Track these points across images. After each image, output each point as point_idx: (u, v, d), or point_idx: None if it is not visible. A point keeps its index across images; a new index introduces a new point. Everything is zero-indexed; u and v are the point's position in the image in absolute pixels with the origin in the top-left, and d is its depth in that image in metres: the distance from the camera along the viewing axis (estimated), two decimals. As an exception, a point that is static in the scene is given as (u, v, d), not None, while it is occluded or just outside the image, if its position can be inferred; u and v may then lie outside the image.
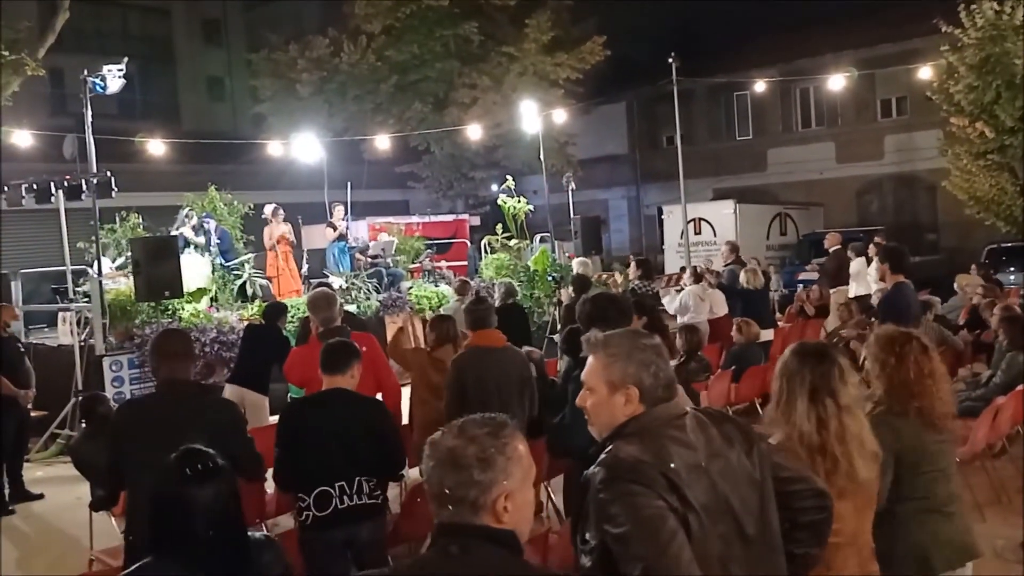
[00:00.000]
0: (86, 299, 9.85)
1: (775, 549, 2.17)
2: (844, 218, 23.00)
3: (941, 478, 3.02)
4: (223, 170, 16.74)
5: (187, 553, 2.21)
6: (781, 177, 25.35)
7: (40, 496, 7.60)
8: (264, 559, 2.38)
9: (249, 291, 11.62)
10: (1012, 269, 16.42)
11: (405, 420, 6.17)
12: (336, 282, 12.08)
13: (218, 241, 11.71)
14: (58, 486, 7.71)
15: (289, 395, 7.18)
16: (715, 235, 19.82)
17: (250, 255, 12.24)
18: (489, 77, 21.18)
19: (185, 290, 9.68)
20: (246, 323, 9.62)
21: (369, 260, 13.42)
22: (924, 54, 17.22)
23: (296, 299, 11.05)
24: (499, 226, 14.52)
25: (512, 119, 18.51)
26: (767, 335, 9.56)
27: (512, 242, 14.32)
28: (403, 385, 6.49)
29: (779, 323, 11.89)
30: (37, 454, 8.85)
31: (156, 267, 9.11)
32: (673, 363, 2.47)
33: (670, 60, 15.81)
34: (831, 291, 12.23)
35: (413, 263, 14.46)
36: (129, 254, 9.79)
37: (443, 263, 15.60)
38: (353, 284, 12.23)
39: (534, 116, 16.37)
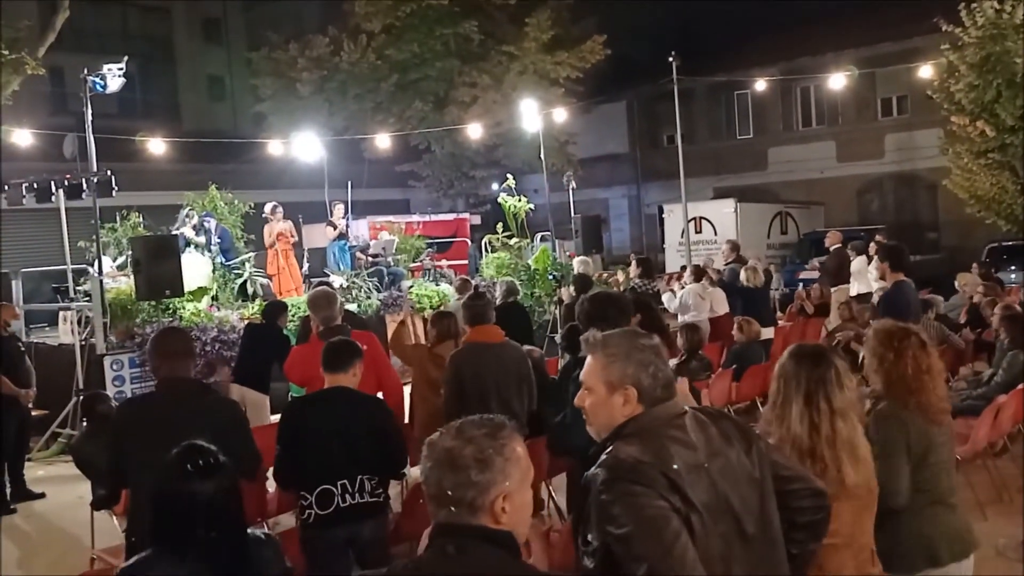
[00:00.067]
0: (87, 298, 9.85)
1: (775, 547, 2.17)
2: (845, 217, 23.00)
3: (944, 470, 3.05)
4: (223, 169, 16.73)
5: (187, 548, 2.21)
6: (782, 176, 25.34)
7: (41, 495, 7.60)
8: (263, 556, 2.39)
9: (250, 290, 11.62)
10: (1013, 268, 16.44)
11: (406, 419, 6.17)
12: (337, 281, 12.09)
13: (218, 240, 11.72)
14: (59, 485, 7.72)
15: (290, 394, 7.19)
16: (716, 234, 19.82)
17: (251, 254, 12.25)
18: (489, 76, 21.18)
19: (186, 289, 9.69)
20: (246, 322, 9.63)
21: (370, 259, 13.43)
22: (925, 53, 17.21)
23: (296, 298, 11.05)
24: (500, 225, 14.52)
25: (512, 118, 18.51)
26: (767, 333, 9.56)
27: (513, 241, 14.32)
28: (407, 383, 6.50)
29: (780, 322, 11.88)
30: (38, 453, 8.86)
31: (157, 266, 9.11)
32: (674, 362, 2.47)
33: (670, 59, 15.80)
34: (832, 290, 12.23)
35: (413, 262, 14.47)
36: (130, 253, 9.79)
37: (443, 262, 15.60)
38: (354, 283, 12.24)
39: (534, 115, 16.37)
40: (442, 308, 10.62)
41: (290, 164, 16.88)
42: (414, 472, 5.25)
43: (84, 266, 10.61)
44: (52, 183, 9.96)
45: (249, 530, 2.41)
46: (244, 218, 12.66)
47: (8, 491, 7.38)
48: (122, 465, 3.63)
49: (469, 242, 18.95)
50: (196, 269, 10.77)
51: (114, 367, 9.23)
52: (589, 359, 2.26)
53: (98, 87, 9.65)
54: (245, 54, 25.98)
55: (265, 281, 12.02)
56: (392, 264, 13.50)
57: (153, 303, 9.65)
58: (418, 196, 25.41)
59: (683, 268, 14.55)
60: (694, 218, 19.75)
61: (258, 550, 2.38)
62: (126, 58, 9.91)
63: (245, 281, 11.63)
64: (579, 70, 21.53)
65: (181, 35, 32.14)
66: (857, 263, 11.90)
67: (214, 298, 10.92)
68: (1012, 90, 14.98)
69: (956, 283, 11.22)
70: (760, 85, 18.95)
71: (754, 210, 21.20)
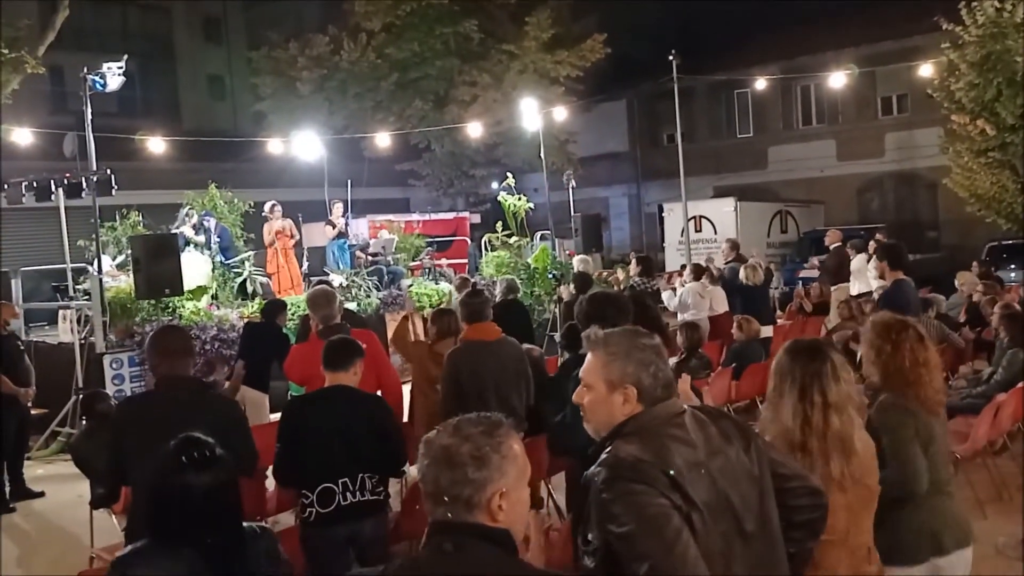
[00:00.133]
0: (86, 297, 9.85)
1: (775, 545, 2.17)
2: (845, 216, 22.99)
3: (943, 461, 3.08)
4: (223, 168, 16.71)
5: (183, 541, 2.21)
6: (782, 175, 25.32)
7: (41, 494, 7.60)
8: (258, 549, 2.38)
9: (249, 289, 11.62)
10: (1013, 266, 16.43)
11: (405, 418, 6.17)
12: (336, 280, 12.09)
13: (218, 239, 11.71)
14: (59, 484, 7.72)
15: (289, 393, 7.18)
16: (716, 233, 19.81)
17: (250, 253, 12.25)
18: (489, 75, 21.16)
19: (185, 288, 9.69)
20: (245, 321, 9.63)
21: (369, 258, 13.42)
22: (925, 51, 17.20)
23: (296, 297, 11.05)
24: (499, 224, 14.51)
25: (512, 117, 18.51)
26: (767, 332, 9.55)
27: (512, 240, 14.32)
28: (406, 382, 6.50)
29: (779, 320, 11.88)
30: (38, 452, 8.86)
31: (156, 265, 9.11)
32: (673, 360, 2.46)
33: (671, 57, 15.78)
34: (832, 288, 12.23)
35: (413, 261, 14.46)
36: (129, 252, 9.79)
37: (443, 261, 15.60)
38: (353, 282, 12.23)
39: (534, 114, 16.37)
40: (442, 306, 10.62)
41: (290, 163, 16.89)
42: (413, 471, 5.25)
43: (84, 265, 10.61)
44: (52, 182, 9.96)
45: (244, 524, 2.41)
46: (244, 217, 12.66)
47: (7, 490, 7.38)
48: (121, 464, 3.63)
49: (469, 241, 18.94)
50: (196, 268, 10.77)
51: (113, 366, 9.23)
52: (590, 356, 2.26)
53: (98, 86, 9.64)
54: (245, 53, 25.99)
55: (265, 280, 12.02)
56: (392, 263, 13.49)
57: (153, 302, 9.65)
58: (418, 195, 25.40)
59: (683, 267, 14.55)
60: (694, 217, 19.74)
61: (254, 543, 2.38)
62: (126, 57, 9.90)
63: (245, 280, 11.63)
64: (579, 69, 21.51)
65: (181, 34, 32.12)
66: (857, 262, 11.89)
67: (214, 297, 10.92)
68: (1012, 89, 14.98)
69: (956, 282, 11.21)
70: (760, 84, 18.93)
71: (754, 209, 21.19)
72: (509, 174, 15.02)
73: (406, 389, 6.33)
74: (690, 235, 17.63)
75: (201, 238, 11.68)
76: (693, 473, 2.02)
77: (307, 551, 3.89)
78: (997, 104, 15.20)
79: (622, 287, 10.72)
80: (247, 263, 11.86)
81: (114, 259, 11.01)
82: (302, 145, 15.28)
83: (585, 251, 13.28)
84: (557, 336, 9.40)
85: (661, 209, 22.64)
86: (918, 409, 3.00)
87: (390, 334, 10.34)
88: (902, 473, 2.90)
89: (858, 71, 18.76)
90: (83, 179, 9.59)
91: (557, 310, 11.77)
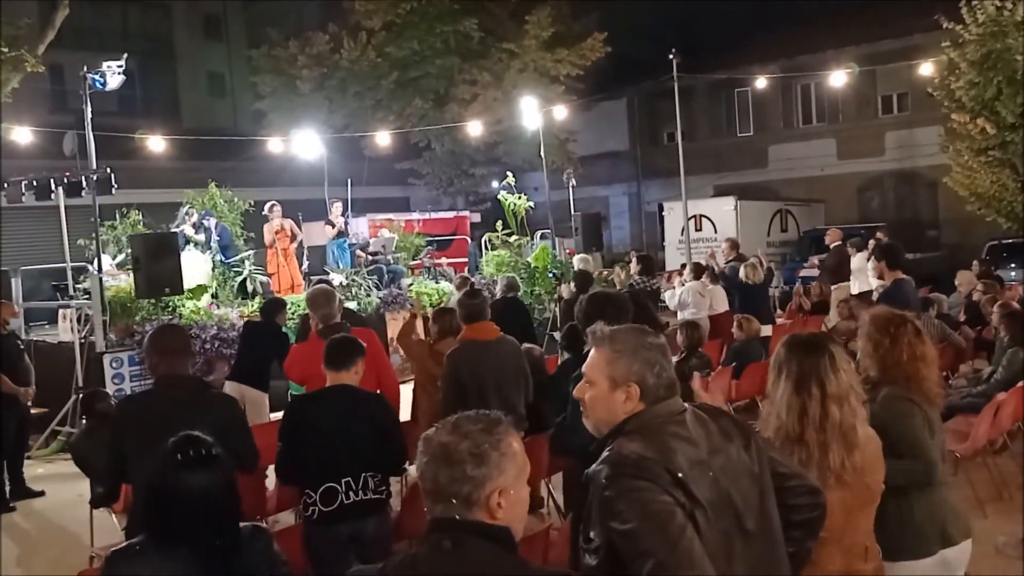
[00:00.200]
0: (86, 296, 9.85)
1: (775, 543, 2.16)
2: (845, 214, 22.99)
3: (943, 452, 3.14)
4: (223, 167, 16.70)
5: (180, 539, 2.21)
6: (782, 173, 25.31)
7: (41, 493, 7.60)
8: (255, 549, 2.38)
9: (249, 288, 11.63)
10: (1013, 265, 16.40)
11: (404, 417, 6.17)
12: (336, 279, 12.08)
13: (218, 238, 11.72)
14: (59, 483, 7.72)
15: (289, 392, 7.18)
16: (716, 232, 19.80)
17: (250, 252, 12.24)
18: (489, 73, 21.15)
19: (185, 287, 9.69)
20: (245, 320, 9.63)
21: (369, 257, 13.42)
22: (925, 50, 17.18)
23: (296, 296, 11.05)
24: (500, 223, 14.52)
25: (513, 115, 18.50)
26: (767, 331, 9.55)
27: (513, 239, 14.32)
28: (404, 382, 6.50)
29: (779, 319, 11.88)
30: (38, 451, 8.86)
31: (156, 264, 9.10)
32: (673, 359, 2.44)
33: (671, 56, 15.76)
34: (832, 287, 12.23)
35: (413, 260, 14.47)
36: (129, 251, 9.79)
37: (443, 260, 15.60)
38: (353, 281, 12.23)
39: (534, 112, 16.36)
40: (442, 305, 10.62)
41: (290, 162, 16.88)
42: (414, 469, 5.26)
43: (84, 264, 10.60)
44: (52, 181, 9.95)
45: (240, 523, 2.41)
46: (244, 216, 12.65)
47: (7, 489, 7.38)
48: (121, 463, 3.63)
49: (469, 240, 18.94)
50: (196, 267, 10.77)
51: (113, 365, 9.24)
52: (594, 352, 2.24)
53: (98, 85, 9.64)
54: (245, 51, 25.96)
55: (264, 279, 12.01)
56: (392, 262, 13.49)
57: (153, 301, 9.65)
58: (418, 194, 25.40)
59: (683, 265, 14.55)
60: (694, 216, 19.73)
61: (250, 543, 2.38)
62: (126, 55, 9.90)
63: (245, 279, 11.63)
64: (579, 67, 21.50)
65: (181, 32, 32.12)
66: (857, 260, 11.89)
67: (214, 296, 10.92)
68: (1013, 87, 14.96)
69: (956, 281, 11.21)
70: (760, 83, 18.92)
71: (754, 208, 21.18)
72: (509, 173, 15.02)
73: (406, 389, 6.33)
74: (690, 234, 17.62)
75: (201, 237, 11.68)
76: (696, 471, 2.02)
77: (309, 550, 3.90)
78: (997, 103, 15.18)
79: (622, 286, 10.71)
80: (247, 262, 11.87)
81: (114, 258, 11.01)
82: (302, 144, 15.27)
83: (585, 250, 13.27)
84: (557, 335, 9.39)
85: (661, 208, 22.63)
86: (921, 400, 3.02)
87: (390, 333, 10.38)
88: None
89: (858, 70, 18.73)
90: (83, 178, 9.58)
91: (557, 309, 11.76)
